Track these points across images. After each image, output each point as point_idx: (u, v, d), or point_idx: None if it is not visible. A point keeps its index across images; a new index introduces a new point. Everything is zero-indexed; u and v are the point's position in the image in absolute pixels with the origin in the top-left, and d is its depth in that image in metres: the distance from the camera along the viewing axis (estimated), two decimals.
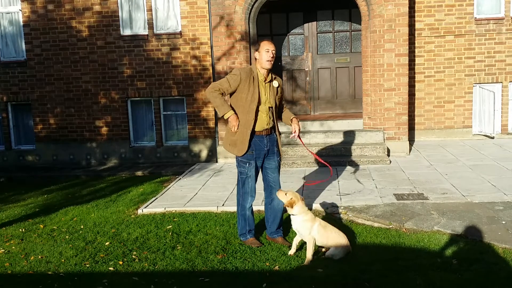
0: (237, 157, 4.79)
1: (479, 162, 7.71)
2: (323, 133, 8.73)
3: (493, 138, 9.43)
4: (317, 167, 7.92)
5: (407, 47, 8.46)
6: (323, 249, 4.60)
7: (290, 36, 10.08)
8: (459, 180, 6.70)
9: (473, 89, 9.58)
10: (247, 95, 4.63)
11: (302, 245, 4.67)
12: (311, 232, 4.42)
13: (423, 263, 4.22)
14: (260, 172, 4.92)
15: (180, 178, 7.95)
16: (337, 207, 5.85)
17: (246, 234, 4.92)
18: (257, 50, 4.68)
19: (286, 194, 4.51)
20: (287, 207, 4.47)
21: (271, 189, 4.88)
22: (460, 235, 4.81)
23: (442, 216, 5.31)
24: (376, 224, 5.31)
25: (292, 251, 4.60)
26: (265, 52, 4.61)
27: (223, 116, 4.68)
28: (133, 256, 4.74)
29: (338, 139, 8.63)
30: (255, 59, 4.73)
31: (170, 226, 5.53)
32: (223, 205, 6.18)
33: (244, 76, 4.62)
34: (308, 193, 6.45)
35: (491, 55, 9.43)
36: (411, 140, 9.49)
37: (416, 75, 9.57)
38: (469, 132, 9.64)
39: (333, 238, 4.46)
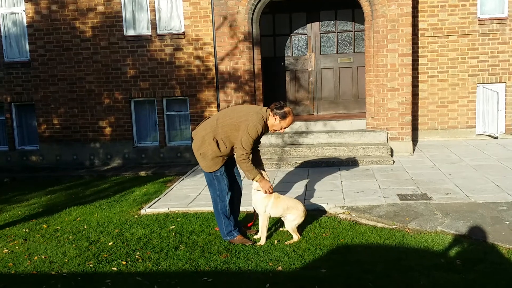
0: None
1: (483, 162, 7.69)
2: (326, 133, 8.73)
3: (496, 138, 9.40)
4: (320, 167, 7.90)
5: (411, 47, 8.45)
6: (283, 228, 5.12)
7: (293, 36, 10.07)
8: (463, 180, 6.68)
9: (476, 89, 9.55)
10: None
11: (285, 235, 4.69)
12: (266, 207, 4.85)
13: (427, 263, 4.21)
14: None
15: (183, 178, 7.96)
16: (341, 207, 5.84)
17: (233, 231, 4.96)
18: (281, 117, 4.70)
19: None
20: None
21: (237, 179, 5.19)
22: (464, 236, 4.80)
23: (445, 217, 5.30)
24: (379, 224, 5.30)
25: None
26: (283, 127, 4.77)
27: (252, 178, 4.81)
28: (137, 256, 4.75)
29: (341, 139, 8.62)
30: (272, 116, 4.74)
31: (173, 226, 5.53)
32: None
33: (260, 131, 4.70)
34: (311, 193, 6.45)
35: (494, 55, 9.40)
36: (415, 140, 9.47)
37: (419, 75, 9.55)
38: (472, 132, 9.62)
39: (290, 206, 4.92)
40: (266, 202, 4.87)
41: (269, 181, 4.89)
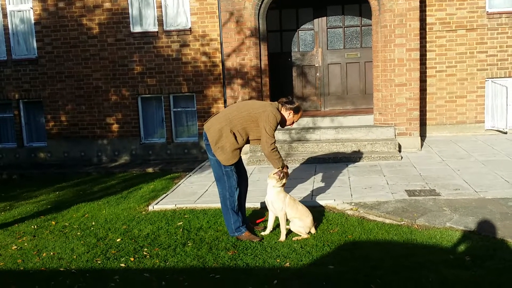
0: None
1: (492, 157, 7.63)
2: (333, 129, 8.69)
3: (506, 133, 9.32)
4: (327, 163, 7.88)
5: (418, 42, 8.38)
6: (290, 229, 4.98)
7: (300, 31, 10.03)
8: (472, 176, 6.63)
9: (485, 84, 9.47)
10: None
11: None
12: (284, 203, 4.83)
13: (436, 259, 4.19)
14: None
15: (191, 175, 7.96)
16: (348, 203, 5.82)
17: (240, 227, 4.96)
18: (295, 111, 4.90)
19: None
20: (273, 178, 4.80)
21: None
22: (473, 232, 4.76)
23: (454, 212, 5.27)
24: (387, 221, 5.27)
25: (268, 231, 5.04)
26: (295, 121, 5.00)
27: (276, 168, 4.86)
28: (144, 253, 4.76)
29: (348, 135, 8.59)
30: (285, 110, 4.89)
31: (181, 223, 5.54)
32: None
33: (278, 121, 4.82)
34: (318, 190, 6.43)
35: (503, 49, 9.31)
36: (423, 135, 9.42)
37: (427, 70, 9.48)
38: (481, 127, 9.54)
39: (301, 210, 4.90)
40: (282, 198, 4.85)
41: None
